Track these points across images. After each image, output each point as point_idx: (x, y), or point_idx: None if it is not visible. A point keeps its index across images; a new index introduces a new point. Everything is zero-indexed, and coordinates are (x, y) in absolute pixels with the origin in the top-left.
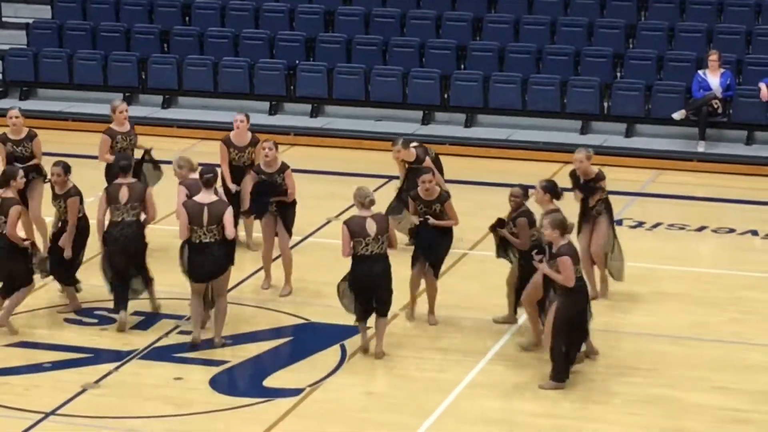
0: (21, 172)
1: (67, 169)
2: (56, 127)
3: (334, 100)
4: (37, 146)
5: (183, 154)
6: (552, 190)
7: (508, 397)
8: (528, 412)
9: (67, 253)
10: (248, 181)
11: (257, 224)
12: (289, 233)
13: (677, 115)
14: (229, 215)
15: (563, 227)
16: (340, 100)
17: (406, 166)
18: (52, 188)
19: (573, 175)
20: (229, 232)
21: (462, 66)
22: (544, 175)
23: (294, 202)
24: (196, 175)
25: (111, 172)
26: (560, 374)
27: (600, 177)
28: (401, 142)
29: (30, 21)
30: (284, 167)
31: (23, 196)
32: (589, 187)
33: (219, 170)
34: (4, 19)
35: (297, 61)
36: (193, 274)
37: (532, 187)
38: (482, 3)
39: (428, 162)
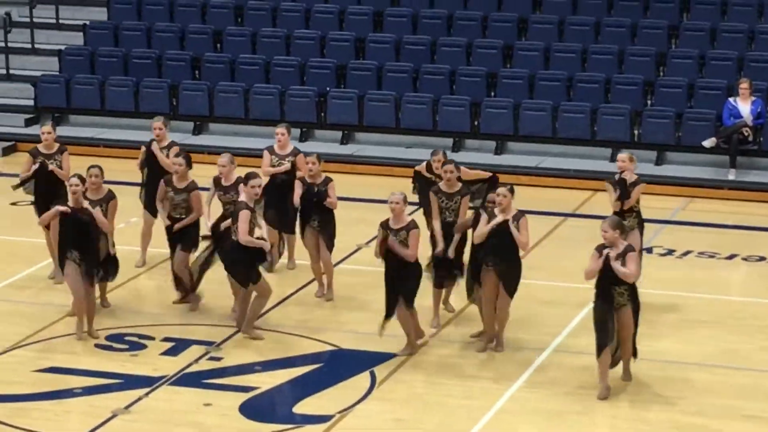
0: (74, 180)
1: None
2: (87, 153)
3: (364, 127)
4: (66, 160)
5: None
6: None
7: (538, 423)
8: None
9: (113, 250)
10: (296, 189)
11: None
12: (330, 248)
13: (708, 143)
14: (242, 217)
15: (623, 228)
16: (370, 127)
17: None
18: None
19: (617, 182)
20: (241, 237)
21: (492, 93)
22: (574, 202)
23: (333, 217)
24: (237, 172)
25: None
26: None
27: (638, 182)
28: (442, 152)
29: (62, 47)
30: (328, 179)
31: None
32: (626, 191)
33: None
34: (36, 46)
35: (328, 88)
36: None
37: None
38: (512, 30)
39: (465, 172)
